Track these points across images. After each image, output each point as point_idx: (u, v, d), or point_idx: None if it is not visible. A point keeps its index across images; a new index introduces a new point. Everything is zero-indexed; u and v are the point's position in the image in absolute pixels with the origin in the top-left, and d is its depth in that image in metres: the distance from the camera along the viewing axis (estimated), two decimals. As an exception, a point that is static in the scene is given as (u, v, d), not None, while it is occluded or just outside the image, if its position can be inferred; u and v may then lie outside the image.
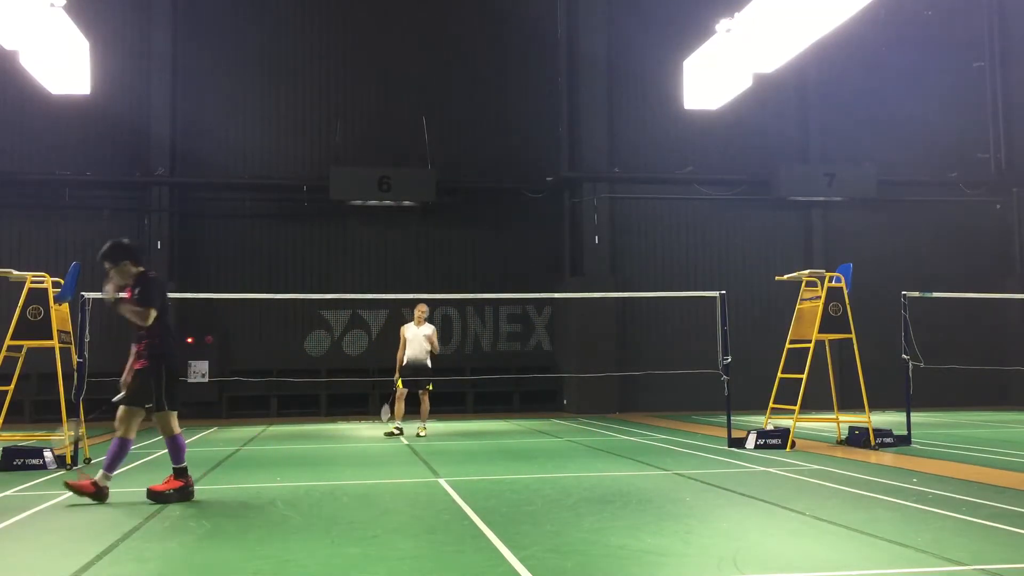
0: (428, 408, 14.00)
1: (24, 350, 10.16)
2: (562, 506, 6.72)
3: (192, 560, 5.06)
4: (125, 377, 7.41)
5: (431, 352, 13.82)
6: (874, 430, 11.04)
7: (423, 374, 13.76)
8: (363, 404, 20.04)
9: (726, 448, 11.14)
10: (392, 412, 14.11)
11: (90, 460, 10.20)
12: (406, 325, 14.04)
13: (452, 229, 20.86)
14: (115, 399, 7.30)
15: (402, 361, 13.74)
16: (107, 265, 7.33)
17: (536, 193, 20.89)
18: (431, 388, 13.94)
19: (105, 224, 19.70)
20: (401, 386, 13.83)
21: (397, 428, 13.94)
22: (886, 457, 10.16)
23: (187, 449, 7.46)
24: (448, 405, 20.14)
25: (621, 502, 6.86)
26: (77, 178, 19.57)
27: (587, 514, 6.32)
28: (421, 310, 13.94)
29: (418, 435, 13.55)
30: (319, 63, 20.81)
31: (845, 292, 11.37)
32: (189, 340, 19.51)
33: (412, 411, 14.38)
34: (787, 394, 11.77)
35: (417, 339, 13.72)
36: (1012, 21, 22.27)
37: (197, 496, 7.52)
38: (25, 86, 16.87)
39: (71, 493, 7.14)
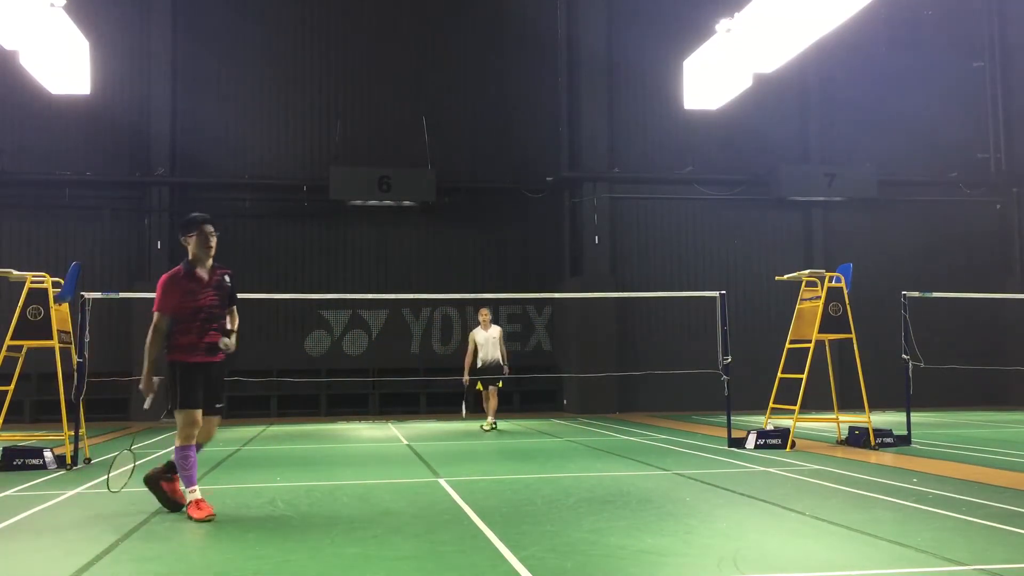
0: (496, 405, 14.95)
1: (24, 350, 10.16)
2: (562, 506, 6.72)
3: (192, 560, 5.06)
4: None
5: (502, 352, 14.78)
6: (874, 430, 11.03)
7: (497, 373, 14.67)
8: (363, 404, 20.06)
9: (726, 448, 11.14)
10: (467, 410, 15.67)
11: (90, 460, 10.20)
12: (475, 330, 15.00)
13: (452, 229, 20.86)
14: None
15: (472, 365, 14.79)
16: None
17: (536, 193, 20.89)
18: (500, 386, 14.94)
19: (105, 224, 19.74)
20: (481, 386, 14.88)
21: (494, 422, 14.88)
22: (886, 457, 10.16)
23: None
24: (448, 405, 20.15)
25: (621, 502, 6.86)
26: (77, 178, 19.57)
27: (587, 514, 6.31)
28: (484, 314, 14.92)
29: (484, 429, 14.62)
30: (319, 63, 20.82)
31: (845, 292, 11.37)
32: (189, 340, 19.50)
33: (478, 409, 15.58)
34: (787, 394, 11.77)
35: (489, 341, 14.69)
36: (1012, 21, 22.26)
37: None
38: (25, 86, 16.87)
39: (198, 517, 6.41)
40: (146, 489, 6.76)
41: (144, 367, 6.45)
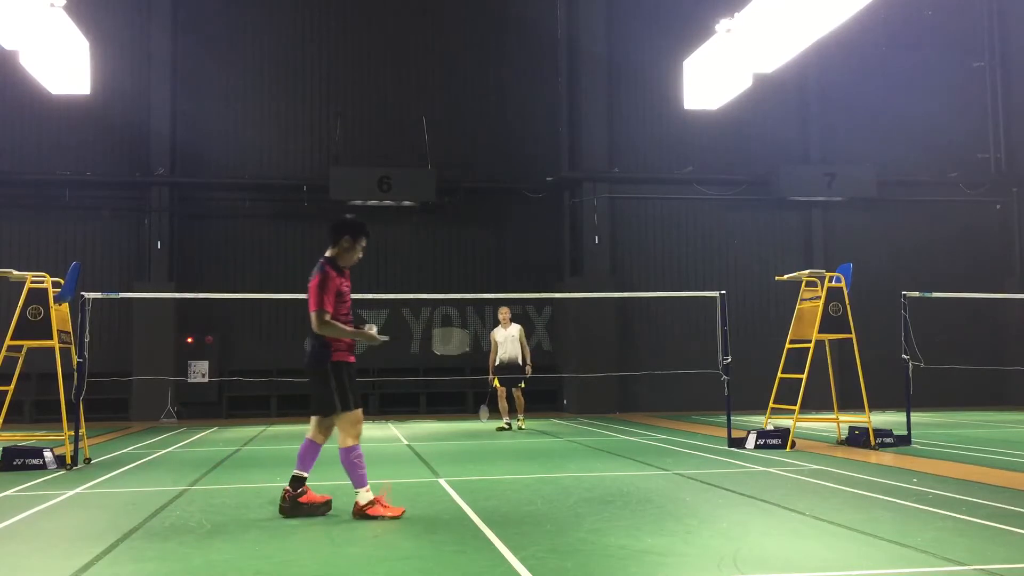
0: (523, 404, 14.91)
1: (24, 350, 10.16)
2: (562, 506, 6.72)
3: (192, 560, 5.05)
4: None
5: (524, 351, 14.72)
6: (874, 430, 11.03)
7: (516, 372, 14.64)
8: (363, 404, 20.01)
9: (726, 448, 11.14)
10: (488, 412, 15.23)
11: (90, 460, 10.20)
12: (495, 329, 15.01)
13: (452, 229, 20.85)
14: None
15: (495, 363, 14.81)
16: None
17: (536, 193, 20.88)
18: (523, 385, 14.87)
19: (105, 224, 19.74)
20: (498, 384, 14.82)
21: (507, 423, 14.87)
22: (886, 457, 10.15)
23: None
24: (448, 405, 20.17)
25: (621, 502, 6.86)
26: (77, 178, 19.57)
27: (587, 514, 6.31)
28: (504, 313, 14.93)
29: (520, 428, 14.57)
30: (319, 63, 20.82)
31: (845, 292, 11.37)
32: (189, 340, 19.53)
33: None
34: (787, 394, 11.77)
35: (508, 340, 14.67)
36: (1012, 21, 22.27)
37: (197, 496, 7.52)
38: (25, 86, 16.87)
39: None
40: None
41: (360, 334, 6.51)
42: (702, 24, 15.54)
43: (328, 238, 6.63)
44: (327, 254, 6.58)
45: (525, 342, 14.81)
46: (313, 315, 6.32)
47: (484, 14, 21.30)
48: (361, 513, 6.33)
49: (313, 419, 6.69)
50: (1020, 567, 4.64)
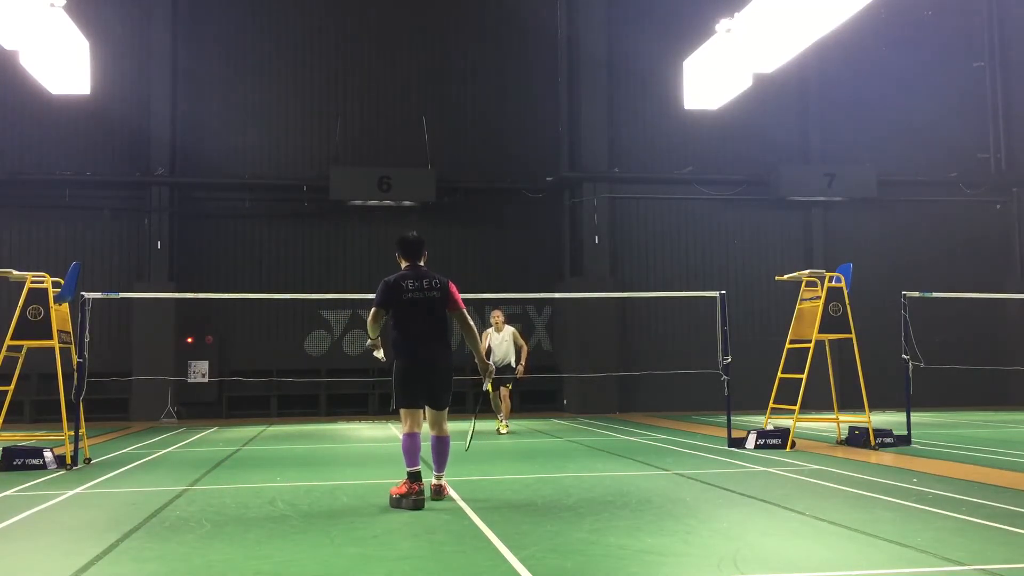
0: (509, 406, 14.71)
1: (24, 350, 10.16)
2: (562, 506, 6.72)
3: (192, 560, 5.05)
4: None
5: (521, 350, 14.44)
6: (874, 430, 11.03)
7: (507, 372, 14.43)
8: (363, 404, 20.05)
9: (726, 448, 11.14)
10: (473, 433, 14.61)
11: (90, 460, 10.20)
12: (488, 330, 14.64)
13: (452, 229, 20.85)
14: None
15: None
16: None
17: (536, 193, 20.89)
18: (509, 387, 14.68)
19: (105, 224, 19.74)
20: (491, 388, 14.33)
21: (505, 425, 14.52)
22: (886, 457, 10.15)
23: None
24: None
25: (621, 502, 6.86)
26: (77, 178, 19.57)
27: (587, 514, 6.31)
28: (497, 317, 14.67)
29: (500, 432, 14.11)
30: (319, 63, 20.82)
31: (845, 292, 11.37)
32: (189, 340, 19.54)
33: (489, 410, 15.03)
34: (787, 394, 11.77)
35: (502, 344, 14.44)
36: (1012, 21, 22.27)
37: (197, 496, 7.52)
38: (25, 86, 16.88)
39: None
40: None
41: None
42: (702, 24, 15.54)
43: (416, 251, 7.51)
44: (423, 263, 7.44)
45: (523, 342, 14.50)
46: (466, 314, 7.28)
47: (484, 14, 21.31)
48: (439, 492, 7.05)
49: (416, 414, 7.06)
50: (1020, 567, 4.64)
